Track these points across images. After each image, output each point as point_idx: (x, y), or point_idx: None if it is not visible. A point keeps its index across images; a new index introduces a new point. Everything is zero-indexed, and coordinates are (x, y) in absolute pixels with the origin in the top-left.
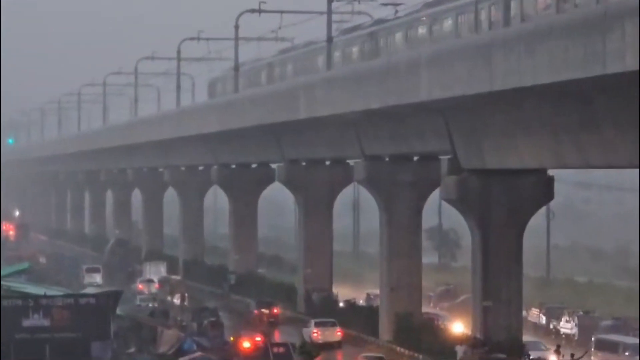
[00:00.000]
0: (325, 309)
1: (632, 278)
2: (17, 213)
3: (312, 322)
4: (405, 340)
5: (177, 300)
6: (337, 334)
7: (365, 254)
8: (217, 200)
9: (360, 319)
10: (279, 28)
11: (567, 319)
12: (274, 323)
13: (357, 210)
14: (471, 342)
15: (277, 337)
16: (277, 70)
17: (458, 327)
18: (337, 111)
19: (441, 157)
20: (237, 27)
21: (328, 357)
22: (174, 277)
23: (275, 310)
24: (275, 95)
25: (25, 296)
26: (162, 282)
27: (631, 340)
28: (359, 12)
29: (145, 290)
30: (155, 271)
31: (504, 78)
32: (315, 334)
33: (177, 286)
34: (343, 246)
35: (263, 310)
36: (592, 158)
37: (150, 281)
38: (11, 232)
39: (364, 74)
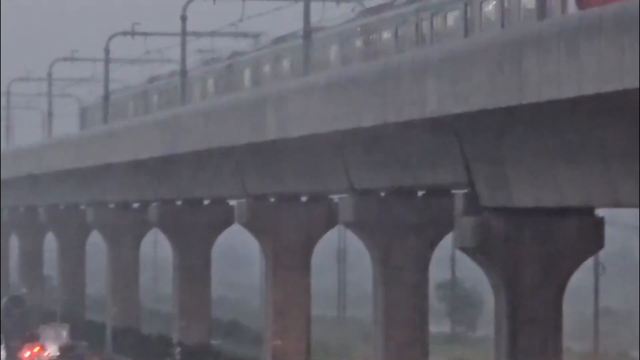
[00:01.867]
0: None
1: None
2: None
3: None
4: None
5: None
6: None
7: (354, 321)
8: (157, 248)
9: None
10: (240, 20)
11: None
12: None
13: (343, 262)
14: None
15: None
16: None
17: None
18: (317, 130)
19: (455, 191)
20: (183, 18)
21: None
22: (82, 343)
23: None
24: (235, 108)
25: None
26: (64, 349)
27: None
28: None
29: None
30: (55, 336)
31: (538, 88)
32: None
33: (79, 354)
34: (325, 310)
35: None
36: None
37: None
38: None
39: (353, 81)
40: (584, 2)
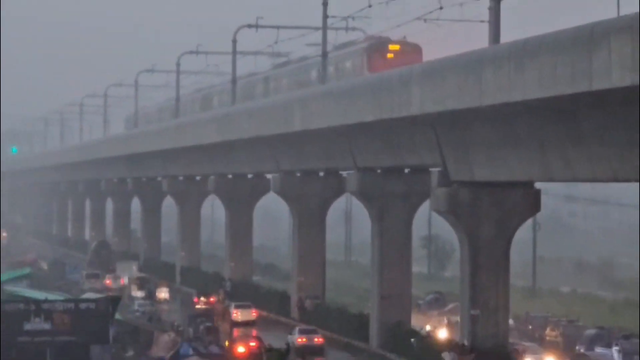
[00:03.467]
0: (318, 316)
1: (616, 289)
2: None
3: (233, 304)
4: (394, 348)
5: (162, 295)
6: (252, 314)
7: (357, 264)
8: (214, 210)
9: (351, 326)
10: (276, 43)
11: (552, 327)
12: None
13: (349, 221)
14: (459, 349)
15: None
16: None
17: (444, 334)
18: (330, 124)
19: (431, 169)
20: (234, 41)
21: None
22: (143, 274)
23: (212, 299)
24: (271, 108)
25: (26, 300)
26: (133, 279)
27: None
28: (353, 29)
29: (114, 286)
30: (126, 269)
31: (494, 93)
32: (235, 314)
33: (145, 282)
34: (335, 256)
35: (202, 298)
36: (579, 172)
37: (117, 277)
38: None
39: (358, 88)
40: (373, 68)
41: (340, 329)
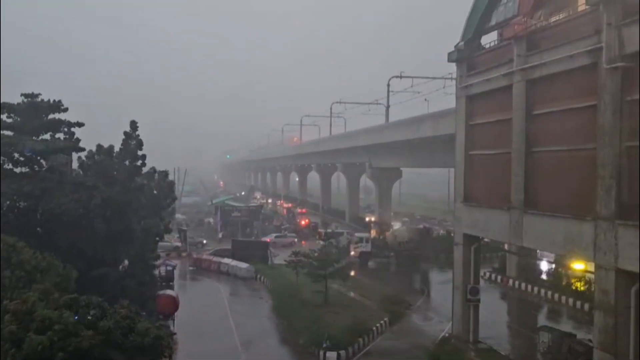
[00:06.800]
0: (328, 212)
1: (430, 203)
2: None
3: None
4: (357, 222)
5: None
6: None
7: (342, 194)
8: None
9: (338, 214)
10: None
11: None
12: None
13: (338, 180)
14: (377, 221)
15: None
16: None
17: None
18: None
19: (366, 162)
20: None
21: None
22: (264, 195)
23: (290, 205)
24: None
25: (232, 206)
26: (260, 197)
27: None
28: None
29: (257, 202)
30: (258, 194)
31: (387, 137)
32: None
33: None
34: (336, 191)
35: (284, 204)
36: (417, 163)
37: (256, 198)
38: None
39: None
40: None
41: (336, 215)
